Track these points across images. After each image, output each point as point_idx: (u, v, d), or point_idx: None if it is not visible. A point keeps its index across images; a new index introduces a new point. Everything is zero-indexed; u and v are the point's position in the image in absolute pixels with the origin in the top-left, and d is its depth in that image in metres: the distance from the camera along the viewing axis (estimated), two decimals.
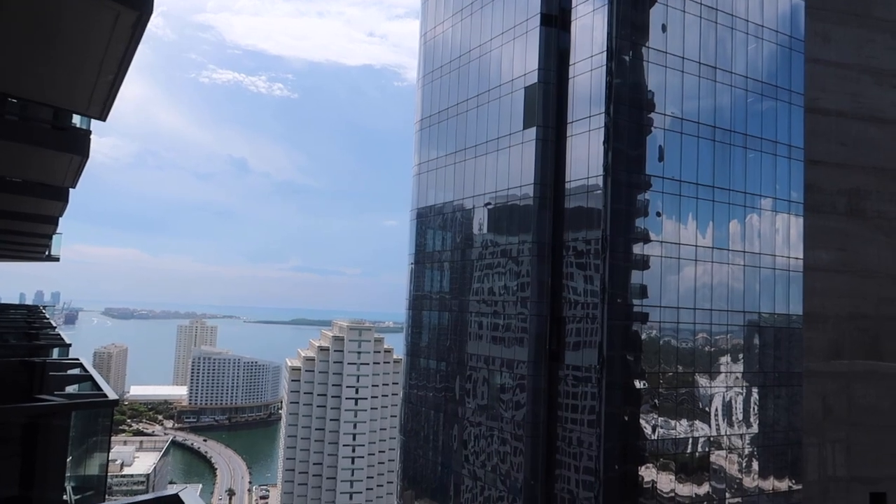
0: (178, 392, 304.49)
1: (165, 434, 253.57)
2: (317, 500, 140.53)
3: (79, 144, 10.29)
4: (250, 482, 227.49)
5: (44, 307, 27.41)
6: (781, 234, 40.76)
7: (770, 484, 39.42)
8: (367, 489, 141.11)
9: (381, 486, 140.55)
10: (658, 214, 36.62)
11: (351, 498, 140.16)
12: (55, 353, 11.07)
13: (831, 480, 40.17)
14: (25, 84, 7.70)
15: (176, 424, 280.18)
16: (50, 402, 5.67)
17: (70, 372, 7.99)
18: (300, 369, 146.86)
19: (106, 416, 8.21)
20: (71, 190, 13.60)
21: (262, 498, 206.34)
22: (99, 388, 6.58)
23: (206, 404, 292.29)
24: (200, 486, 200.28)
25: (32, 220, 16.13)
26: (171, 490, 3.43)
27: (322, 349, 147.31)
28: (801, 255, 41.10)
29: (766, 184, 40.34)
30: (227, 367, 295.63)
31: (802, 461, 38.50)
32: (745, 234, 39.43)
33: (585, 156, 36.85)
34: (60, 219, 18.44)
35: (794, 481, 40.23)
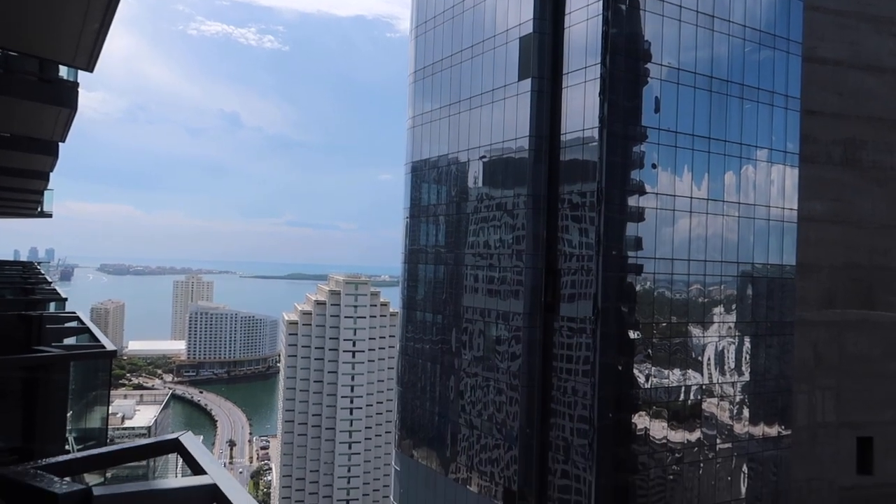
0: (177, 347, 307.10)
1: (165, 388, 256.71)
2: (316, 450, 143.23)
3: (66, 97, 10.13)
4: (251, 433, 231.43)
5: (38, 263, 27.40)
6: (776, 186, 40.74)
7: (760, 430, 40.27)
8: (365, 439, 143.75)
9: (380, 436, 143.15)
10: (653, 166, 36.48)
11: (350, 447, 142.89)
12: (51, 307, 11.10)
13: (820, 426, 41.70)
14: (9, 35, 7.53)
15: (175, 378, 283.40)
16: (48, 353, 5.69)
17: (67, 325, 8.01)
18: (297, 323, 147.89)
19: (105, 368, 8.27)
20: (61, 145, 13.44)
21: (263, 448, 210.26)
22: (97, 340, 6.61)
23: (204, 358, 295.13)
24: (202, 437, 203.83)
25: (23, 175, 15.99)
26: (171, 435, 3.48)
27: (319, 303, 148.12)
28: (795, 206, 41.27)
29: (762, 135, 40.11)
30: (224, 321, 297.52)
31: (792, 408, 39.55)
32: (740, 185, 39.38)
33: (581, 107, 36.49)
34: (51, 174, 18.28)
35: (783, 427, 41.10)
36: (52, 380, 5.80)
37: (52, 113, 10.47)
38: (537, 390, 38.03)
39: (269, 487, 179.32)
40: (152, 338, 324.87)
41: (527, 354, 38.11)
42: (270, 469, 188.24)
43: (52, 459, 2.54)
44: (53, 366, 5.76)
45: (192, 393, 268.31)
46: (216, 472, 2.76)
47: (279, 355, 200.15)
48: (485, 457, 40.44)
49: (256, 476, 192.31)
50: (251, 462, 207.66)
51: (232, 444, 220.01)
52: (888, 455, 45.23)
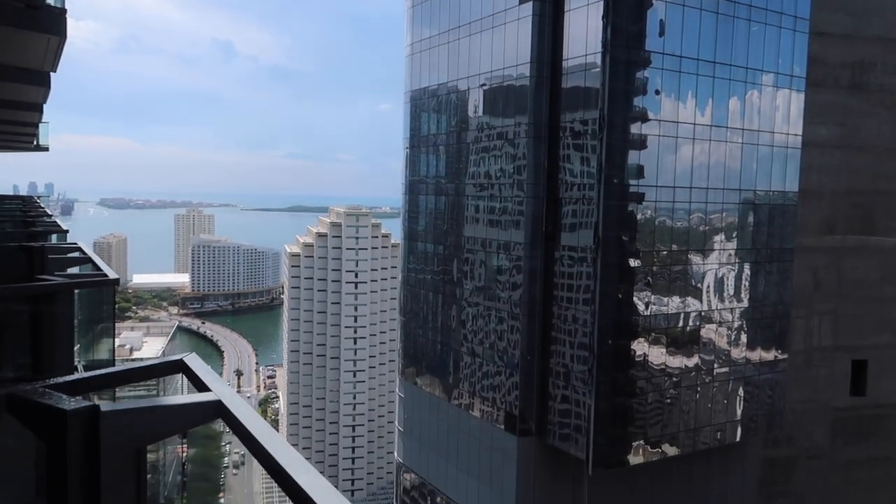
0: (181, 279, 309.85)
1: (171, 320, 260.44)
2: (322, 378, 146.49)
3: (54, 24, 9.85)
4: (257, 363, 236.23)
5: (38, 198, 27.32)
6: (781, 111, 40.10)
7: (757, 355, 40.99)
8: (369, 368, 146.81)
9: (384, 364, 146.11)
10: (657, 92, 35.84)
11: (355, 376, 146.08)
12: (53, 239, 11.10)
13: (816, 350, 42.39)
14: None
15: (181, 310, 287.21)
16: (51, 282, 5.72)
17: (70, 255, 8.03)
18: (299, 255, 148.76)
19: (108, 298, 8.34)
20: (52, 76, 13.18)
21: (270, 378, 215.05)
22: (99, 269, 6.63)
23: (208, 291, 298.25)
24: (209, 367, 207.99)
25: (16, 107, 15.75)
26: (175, 356, 3.55)
27: (320, 235, 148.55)
28: (800, 132, 40.74)
29: (769, 58, 39.20)
30: (227, 254, 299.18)
31: (789, 333, 40.13)
32: (745, 111, 38.78)
33: (583, 32, 35.57)
34: (45, 107, 18.01)
35: (780, 352, 41.80)
36: (56, 310, 5.84)
37: (41, 41, 10.21)
38: (538, 319, 38.53)
39: (276, 415, 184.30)
40: (156, 271, 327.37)
41: (527, 284, 38.41)
42: (278, 397, 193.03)
43: (60, 379, 2.60)
44: (57, 295, 5.80)
45: (197, 324, 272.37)
46: (220, 390, 2.82)
47: (282, 287, 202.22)
48: (486, 383, 41.33)
49: (264, 404, 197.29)
50: (258, 390, 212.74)
51: (239, 373, 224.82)
52: (881, 377, 46.21)
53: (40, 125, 24.43)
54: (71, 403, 2.27)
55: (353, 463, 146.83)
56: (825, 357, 44.85)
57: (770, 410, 42.10)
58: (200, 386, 2.99)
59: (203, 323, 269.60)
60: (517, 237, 38.85)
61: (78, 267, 7.70)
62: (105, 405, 2.34)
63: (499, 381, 40.35)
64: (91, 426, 2.32)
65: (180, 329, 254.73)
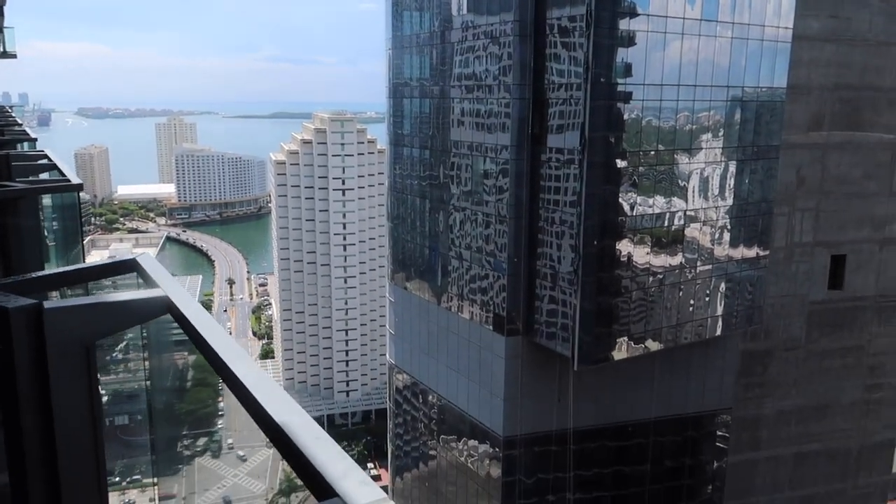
0: (166, 190, 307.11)
1: (160, 230, 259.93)
2: (313, 285, 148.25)
3: None
4: (248, 271, 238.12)
5: (11, 108, 26.58)
6: (772, 3, 38.92)
7: (739, 252, 41.66)
8: (360, 273, 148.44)
9: (374, 270, 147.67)
10: None
11: (346, 282, 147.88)
12: (25, 147, 10.89)
13: (797, 246, 43.26)
14: None
15: (168, 221, 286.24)
16: (12, 187, 5.66)
17: (36, 163, 7.91)
18: (285, 163, 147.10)
19: (73, 206, 8.26)
20: None
21: (262, 286, 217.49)
22: (64, 175, 6.56)
23: (195, 201, 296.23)
24: (201, 277, 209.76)
25: None
26: (127, 255, 3.57)
27: (305, 142, 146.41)
28: (790, 25, 39.72)
29: None
30: (211, 163, 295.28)
31: (771, 230, 40.77)
32: (735, 3, 37.62)
33: None
34: (8, 11, 17.22)
35: (761, 248, 42.47)
36: (21, 216, 5.81)
37: None
38: (525, 221, 38.74)
39: (270, 321, 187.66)
40: (140, 182, 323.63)
41: (514, 187, 38.37)
42: (270, 304, 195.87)
43: (5, 280, 2.64)
44: (21, 201, 5.77)
45: (187, 235, 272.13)
46: (170, 287, 2.88)
47: (270, 195, 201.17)
48: (475, 286, 42.01)
49: (257, 311, 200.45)
50: (251, 298, 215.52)
51: (231, 282, 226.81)
52: (858, 271, 47.32)
53: (4, 30, 23.45)
54: (13, 302, 2.31)
55: (347, 366, 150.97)
56: (805, 253, 45.69)
57: (750, 305, 43.23)
58: (152, 284, 3.04)
59: (184, 231, 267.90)
60: (503, 140, 38.47)
61: (48, 174, 7.61)
62: (49, 303, 2.39)
63: (487, 284, 41.01)
64: (35, 324, 2.37)
65: (169, 239, 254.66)
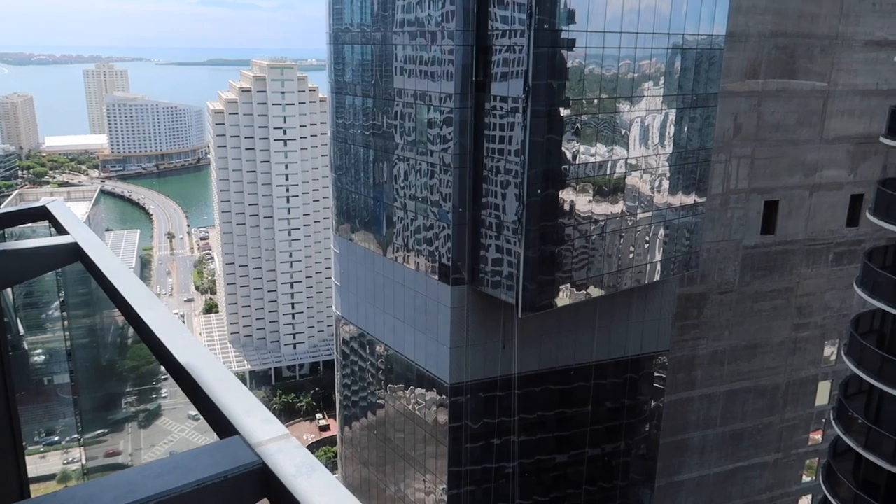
0: (98, 141, 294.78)
1: (93, 183, 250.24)
2: (256, 238, 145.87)
3: None
4: (188, 225, 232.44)
5: None
6: None
7: (678, 200, 42.65)
8: (304, 225, 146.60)
9: (318, 221, 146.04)
10: None
11: (290, 234, 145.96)
12: None
13: (732, 192, 44.69)
14: None
15: (102, 174, 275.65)
16: None
17: None
18: (223, 112, 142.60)
19: None
20: None
21: (203, 239, 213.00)
22: None
23: (129, 152, 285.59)
24: (139, 231, 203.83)
25: None
26: (38, 202, 3.41)
27: (244, 91, 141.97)
28: None
29: None
30: (145, 113, 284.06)
31: (709, 177, 41.74)
32: None
33: None
34: None
35: (699, 195, 43.55)
36: None
37: None
38: (469, 171, 38.67)
39: (213, 275, 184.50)
40: (69, 133, 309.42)
41: (458, 136, 38.13)
42: (212, 258, 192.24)
43: None
44: None
45: (122, 188, 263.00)
46: (80, 234, 2.75)
47: (208, 146, 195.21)
48: (420, 236, 42.00)
49: (199, 265, 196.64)
50: (192, 252, 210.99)
51: (171, 236, 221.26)
52: (789, 216, 49.16)
53: None
54: None
55: (293, 318, 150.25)
56: (740, 199, 47.13)
57: (688, 251, 44.53)
58: (63, 232, 2.90)
59: (102, 181, 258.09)
60: (447, 88, 38.01)
61: None
62: None
63: (432, 234, 41.05)
64: None
65: (103, 193, 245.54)
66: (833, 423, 33.53)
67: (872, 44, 46.30)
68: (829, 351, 54.00)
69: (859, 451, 30.52)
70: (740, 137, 45.60)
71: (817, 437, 56.54)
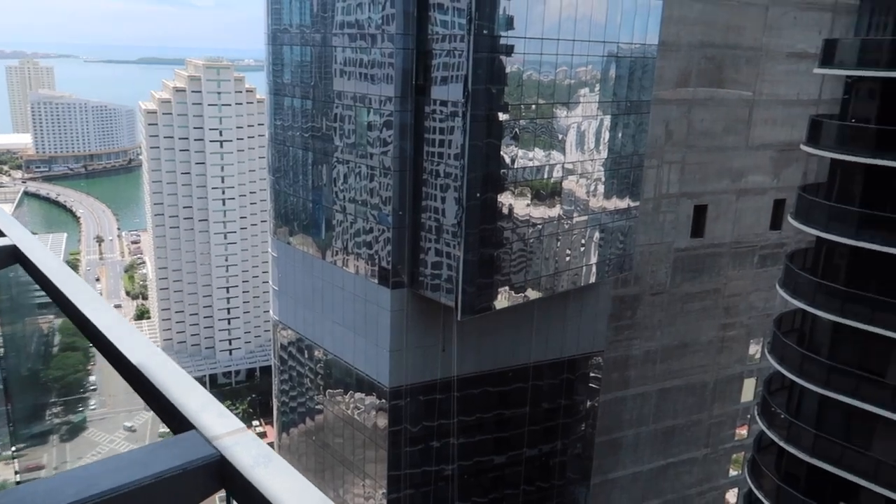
0: (22, 140, 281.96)
1: (16, 185, 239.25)
2: (191, 241, 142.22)
3: None
4: (119, 228, 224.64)
5: None
6: None
7: (613, 204, 43.80)
8: (241, 229, 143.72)
9: (255, 224, 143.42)
10: None
11: (226, 238, 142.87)
12: None
13: (664, 197, 46.27)
14: None
15: (25, 175, 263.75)
16: None
17: None
18: (156, 112, 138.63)
19: None
20: None
21: (134, 243, 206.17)
22: None
23: (55, 152, 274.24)
24: (66, 235, 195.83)
25: None
26: None
27: (178, 90, 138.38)
28: None
29: None
30: (73, 112, 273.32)
31: (642, 182, 43.12)
32: None
33: None
34: None
35: (633, 200, 44.83)
36: None
37: None
38: (409, 174, 38.76)
39: (144, 280, 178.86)
40: None
41: (399, 139, 38.20)
42: (144, 262, 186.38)
43: None
44: None
45: (48, 189, 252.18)
46: (17, 234, 2.74)
47: (140, 147, 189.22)
48: (360, 240, 41.84)
49: (130, 270, 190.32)
50: (123, 256, 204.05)
51: (100, 239, 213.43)
52: (717, 220, 51.12)
53: None
54: None
55: (229, 324, 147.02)
56: (671, 203, 48.74)
57: (622, 253, 45.75)
58: None
59: (26, 182, 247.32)
60: (387, 91, 38.04)
61: None
62: None
63: (371, 237, 40.96)
64: None
65: (27, 194, 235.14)
66: (757, 418, 34.98)
67: (794, 56, 48.63)
68: (754, 349, 56.35)
69: (781, 444, 31.93)
70: (671, 144, 47.18)
71: (743, 432, 58.88)
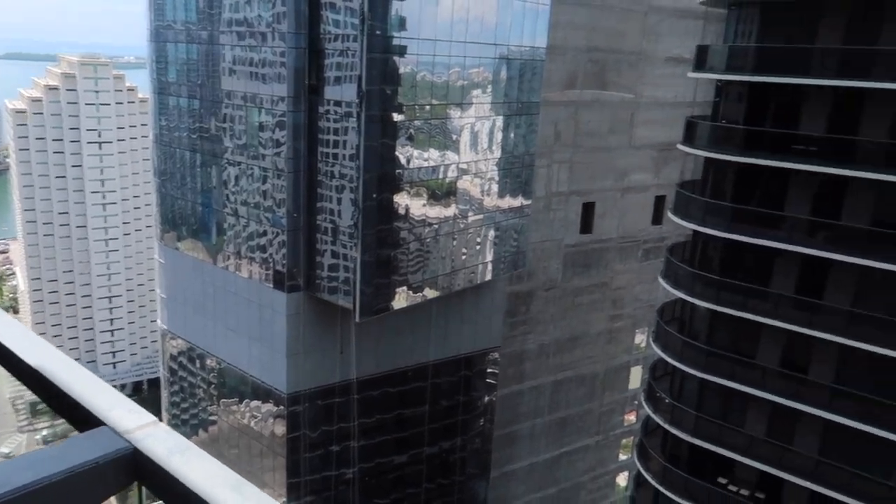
0: None
1: None
2: (68, 250, 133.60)
3: None
4: None
5: None
6: None
7: (506, 203, 44.88)
8: (123, 235, 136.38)
9: (140, 230, 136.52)
10: None
11: (107, 245, 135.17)
12: None
13: (554, 195, 47.96)
14: None
15: None
16: None
17: None
18: (26, 112, 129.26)
19: None
20: None
21: (2, 252, 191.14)
22: None
23: None
24: None
25: None
26: None
27: (51, 89, 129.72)
28: None
29: None
30: None
31: (533, 181, 44.53)
32: None
33: None
34: None
35: (525, 198, 46.13)
36: None
37: None
38: (303, 175, 38.16)
39: (15, 293, 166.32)
40: None
41: (292, 140, 37.53)
42: (14, 274, 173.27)
43: None
44: None
45: None
46: None
47: (7, 149, 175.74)
48: (253, 243, 40.79)
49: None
50: None
51: None
52: (604, 217, 53.49)
53: None
54: None
55: (112, 336, 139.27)
56: (561, 201, 50.55)
57: (516, 251, 46.99)
58: None
59: None
60: (279, 91, 37.28)
61: None
62: None
63: (265, 241, 40.02)
64: None
65: None
66: (644, 403, 36.84)
67: (671, 60, 51.57)
68: (640, 339, 59.34)
69: (666, 427, 33.77)
70: (560, 144, 48.93)
71: (632, 417, 61.88)
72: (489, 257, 44.85)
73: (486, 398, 49.92)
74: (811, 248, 28.03)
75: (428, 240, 40.52)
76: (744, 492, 32.05)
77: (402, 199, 38.35)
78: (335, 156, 36.74)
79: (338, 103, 35.91)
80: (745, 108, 31.55)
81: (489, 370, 49.24)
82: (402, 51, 35.94)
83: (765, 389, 29.90)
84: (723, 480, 32.72)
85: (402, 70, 36.31)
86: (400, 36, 35.50)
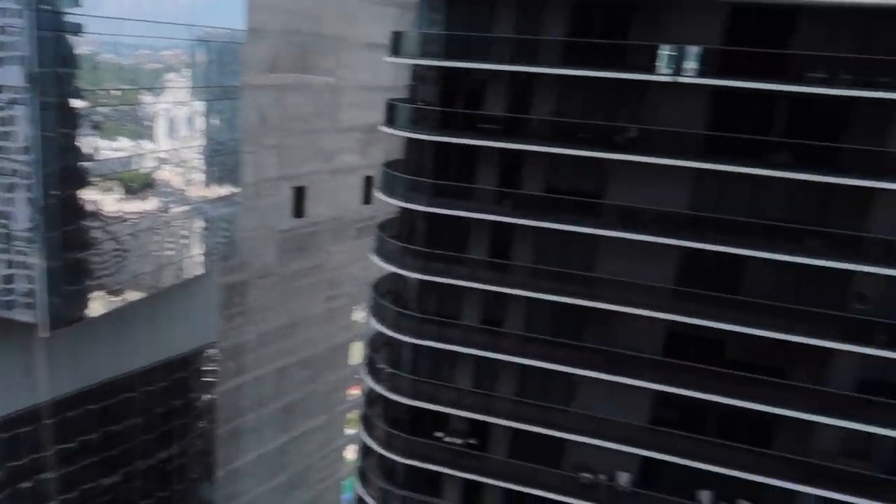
0: None
1: None
2: None
3: None
4: None
5: None
6: None
7: (213, 192, 42.33)
8: None
9: None
10: None
11: None
12: None
13: (264, 181, 46.45)
14: None
15: None
16: None
17: None
18: None
19: None
20: None
21: None
22: None
23: None
24: None
25: None
26: None
27: None
28: None
29: None
30: None
31: (241, 167, 42.58)
32: None
33: None
34: None
35: (234, 186, 44.03)
36: None
37: None
38: None
39: None
40: None
41: None
42: None
43: None
44: None
45: None
46: None
47: None
48: None
49: None
50: None
51: None
52: (315, 200, 53.40)
53: None
54: None
55: None
56: (271, 187, 49.13)
57: (227, 241, 44.80)
58: None
59: None
60: None
61: None
62: None
63: None
64: None
65: None
66: (365, 376, 37.88)
67: (371, 45, 52.49)
68: (359, 316, 60.93)
69: (386, 394, 35.16)
70: (267, 128, 47.25)
71: (356, 391, 63.64)
72: (198, 250, 42.19)
73: (205, 397, 47.36)
74: (498, 215, 30.79)
75: (125, 238, 36.79)
76: (458, 441, 34.79)
77: (91, 195, 34.13)
78: (2, 149, 31.06)
79: (5, 88, 30.24)
80: (438, 91, 33.41)
81: (207, 368, 46.71)
82: (76, 28, 31.38)
83: (468, 346, 32.55)
84: (439, 434, 35.11)
85: (80, 51, 31.74)
86: (74, 13, 30.88)
